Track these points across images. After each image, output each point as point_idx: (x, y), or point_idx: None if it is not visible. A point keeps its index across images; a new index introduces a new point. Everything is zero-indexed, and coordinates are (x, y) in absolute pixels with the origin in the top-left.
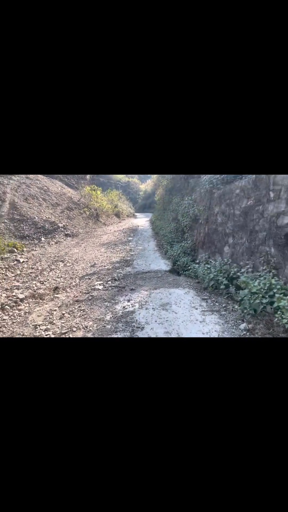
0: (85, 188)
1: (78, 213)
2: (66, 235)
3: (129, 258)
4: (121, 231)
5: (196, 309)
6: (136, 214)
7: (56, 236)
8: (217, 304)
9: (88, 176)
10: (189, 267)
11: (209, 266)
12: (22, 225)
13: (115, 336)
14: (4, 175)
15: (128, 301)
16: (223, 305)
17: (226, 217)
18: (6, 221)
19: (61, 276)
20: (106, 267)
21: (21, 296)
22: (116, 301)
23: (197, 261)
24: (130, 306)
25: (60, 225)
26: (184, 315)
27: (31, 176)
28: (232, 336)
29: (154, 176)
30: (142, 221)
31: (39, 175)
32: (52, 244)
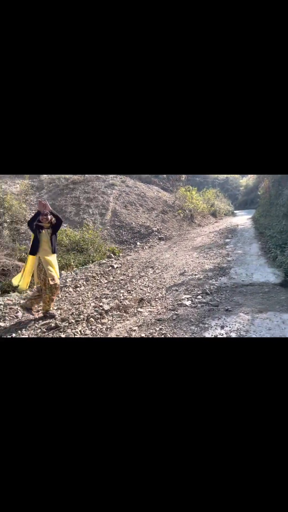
0: (179, 190)
1: (172, 216)
2: (160, 238)
3: (225, 265)
4: (217, 232)
5: None
6: (235, 211)
7: (150, 240)
8: None
9: (183, 178)
10: None
11: None
12: (121, 231)
13: None
14: (108, 186)
15: (222, 328)
16: None
17: None
18: (108, 227)
19: (148, 285)
20: (196, 276)
21: (106, 307)
22: (206, 326)
23: None
24: (225, 336)
25: (154, 229)
26: None
27: (130, 184)
28: None
29: None
30: (243, 219)
31: (138, 183)
32: (145, 249)
